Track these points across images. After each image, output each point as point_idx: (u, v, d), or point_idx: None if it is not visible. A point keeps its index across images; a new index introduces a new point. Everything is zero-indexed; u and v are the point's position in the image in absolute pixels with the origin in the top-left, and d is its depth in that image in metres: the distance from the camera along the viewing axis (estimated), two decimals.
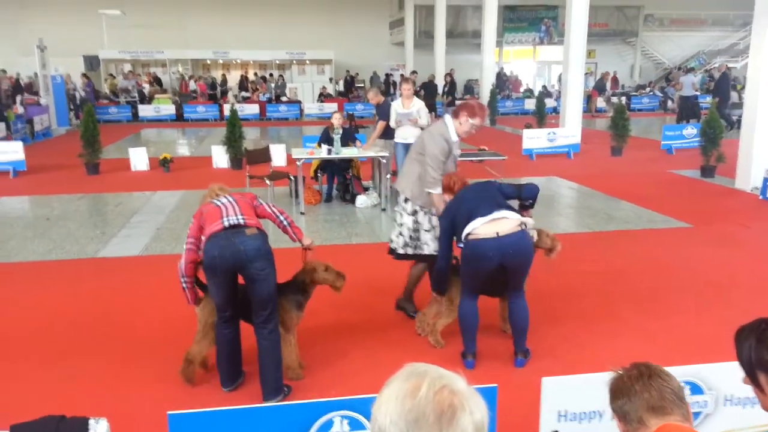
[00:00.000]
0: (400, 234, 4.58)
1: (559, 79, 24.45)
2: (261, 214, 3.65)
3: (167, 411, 2.55)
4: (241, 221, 3.41)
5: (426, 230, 4.48)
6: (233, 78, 26.94)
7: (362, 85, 26.68)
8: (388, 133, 9.02)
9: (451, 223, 3.88)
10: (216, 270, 3.37)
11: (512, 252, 3.65)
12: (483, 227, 3.67)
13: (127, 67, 26.45)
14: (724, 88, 17.10)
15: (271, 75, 25.93)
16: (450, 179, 4.20)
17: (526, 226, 3.76)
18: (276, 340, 3.52)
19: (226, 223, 3.37)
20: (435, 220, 4.47)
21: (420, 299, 4.79)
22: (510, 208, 3.81)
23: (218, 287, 3.47)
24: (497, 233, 3.64)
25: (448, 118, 4.46)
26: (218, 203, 3.53)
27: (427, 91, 18.29)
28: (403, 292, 4.82)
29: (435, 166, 4.31)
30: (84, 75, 22.95)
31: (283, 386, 3.58)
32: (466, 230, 3.72)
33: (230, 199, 3.57)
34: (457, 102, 21.09)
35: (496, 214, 3.69)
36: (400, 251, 4.56)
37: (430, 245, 4.48)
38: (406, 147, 8.56)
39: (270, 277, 3.41)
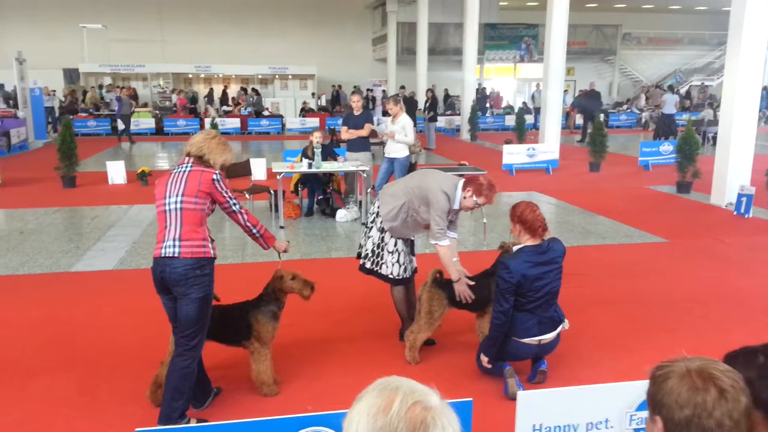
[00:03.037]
0: (364, 246, 4.49)
1: (533, 97, 24.83)
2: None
3: (136, 429, 2.49)
4: (177, 252, 3.27)
5: (389, 251, 4.35)
6: (214, 92, 26.87)
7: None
8: (365, 146, 9.08)
9: (517, 286, 3.69)
10: (156, 288, 3.43)
11: (546, 352, 3.94)
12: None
13: (107, 81, 26.29)
14: (592, 104, 17.87)
15: (252, 89, 25.89)
16: (536, 217, 3.77)
17: (564, 327, 3.95)
18: (181, 367, 3.32)
19: (162, 253, 3.30)
20: (400, 245, 4.37)
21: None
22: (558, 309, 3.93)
23: (162, 303, 3.47)
24: (539, 342, 3.84)
25: (461, 183, 4.18)
26: (170, 207, 3.34)
27: (406, 107, 18.36)
28: (402, 322, 4.60)
29: (441, 218, 4.13)
30: (121, 88, 21.93)
31: (177, 418, 3.33)
32: (515, 336, 3.80)
33: (179, 207, 3.33)
34: (439, 118, 21.24)
35: (548, 335, 3.83)
36: (362, 261, 4.48)
37: (389, 267, 4.35)
38: (390, 161, 8.66)
39: (190, 302, 3.29)
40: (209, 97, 25.72)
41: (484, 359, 3.87)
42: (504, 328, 3.76)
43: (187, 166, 3.41)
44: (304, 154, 8.95)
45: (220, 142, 3.50)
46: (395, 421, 1.08)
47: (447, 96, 26.70)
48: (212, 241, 3.41)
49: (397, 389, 1.13)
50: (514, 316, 3.76)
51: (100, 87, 25.36)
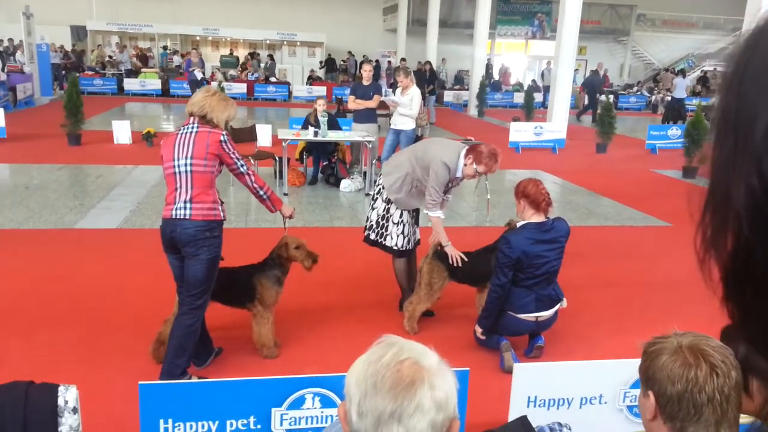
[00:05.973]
0: (368, 217, 4.54)
1: (543, 76, 24.57)
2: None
3: (139, 381, 2.54)
4: (188, 214, 3.30)
5: (394, 223, 4.37)
6: (217, 56, 26.54)
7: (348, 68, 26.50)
8: (371, 117, 8.99)
9: (517, 262, 3.73)
10: (164, 247, 3.44)
11: (543, 328, 3.99)
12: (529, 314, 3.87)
13: (115, 39, 26.04)
14: (594, 86, 20.22)
15: (268, 55, 25.54)
16: (539, 191, 3.78)
17: (562, 305, 4.00)
18: (185, 325, 3.37)
19: (173, 215, 3.31)
20: (406, 216, 4.38)
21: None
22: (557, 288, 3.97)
23: (169, 262, 3.50)
24: (537, 318, 3.87)
25: (463, 151, 4.13)
26: (179, 169, 3.34)
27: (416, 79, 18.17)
28: (402, 293, 4.63)
29: (437, 190, 4.12)
30: (189, 51, 20.69)
31: (179, 374, 3.38)
32: (512, 311, 3.83)
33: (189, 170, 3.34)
34: (439, 92, 20.99)
35: (546, 313, 3.87)
36: (366, 232, 4.52)
37: (393, 238, 4.38)
38: (396, 133, 8.59)
39: (198, 262, 3.32)
40: (255, 60, 25.15)
41: (478, 330, 3.93)
42: (500, 302, 3.81)
43: (193, 127, 3.39)
44: (307, 121, 8.89)
45: (221, 98, 3.47)
46: (383, 371, 1.12)
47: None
48: (222, 203, 3.43)
49: (395, 344, 1.18)
50: (512, 290, 3.80)
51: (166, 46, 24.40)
